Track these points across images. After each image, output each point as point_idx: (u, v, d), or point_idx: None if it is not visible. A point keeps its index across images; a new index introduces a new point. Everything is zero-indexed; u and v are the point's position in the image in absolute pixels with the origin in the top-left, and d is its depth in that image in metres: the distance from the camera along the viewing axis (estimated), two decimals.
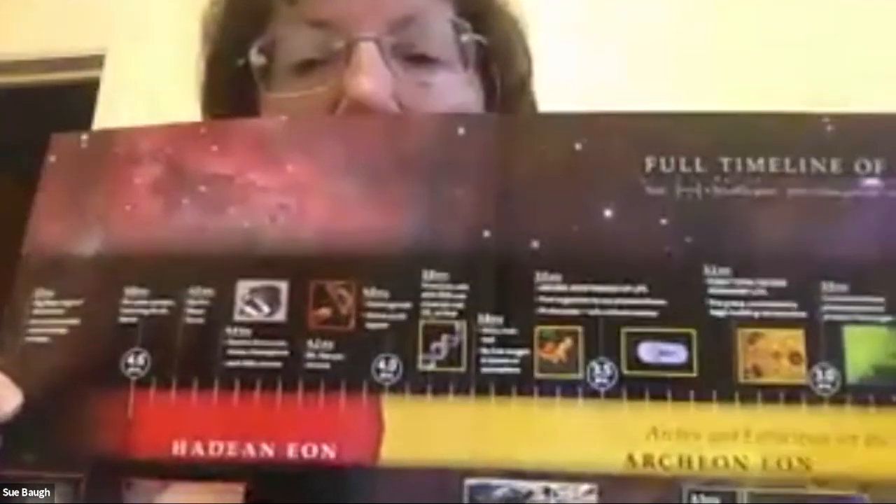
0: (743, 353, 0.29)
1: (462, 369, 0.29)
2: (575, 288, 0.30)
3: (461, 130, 0.32)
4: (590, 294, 0.30)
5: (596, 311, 0.29)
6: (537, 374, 0.29)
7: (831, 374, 0.28)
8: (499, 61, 0.43)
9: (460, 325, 0.29)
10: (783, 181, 0.30)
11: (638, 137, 0.31)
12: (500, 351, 0.29)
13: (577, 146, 0.31)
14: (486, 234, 0.30)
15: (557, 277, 0.30)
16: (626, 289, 0.30)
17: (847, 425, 0.28)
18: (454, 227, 0.31)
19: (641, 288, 0.29)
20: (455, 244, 0.30)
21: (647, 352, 0.29)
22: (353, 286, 0.30)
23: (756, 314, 0.29)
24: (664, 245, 0.30)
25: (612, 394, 0.29)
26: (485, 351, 0.29)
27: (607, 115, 0.32)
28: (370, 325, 0.30)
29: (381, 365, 0.29)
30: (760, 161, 0.30)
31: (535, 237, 0.30)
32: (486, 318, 0.30)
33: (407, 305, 0.30)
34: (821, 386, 0.28)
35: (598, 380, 0.29)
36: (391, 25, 0.39)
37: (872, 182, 0.30)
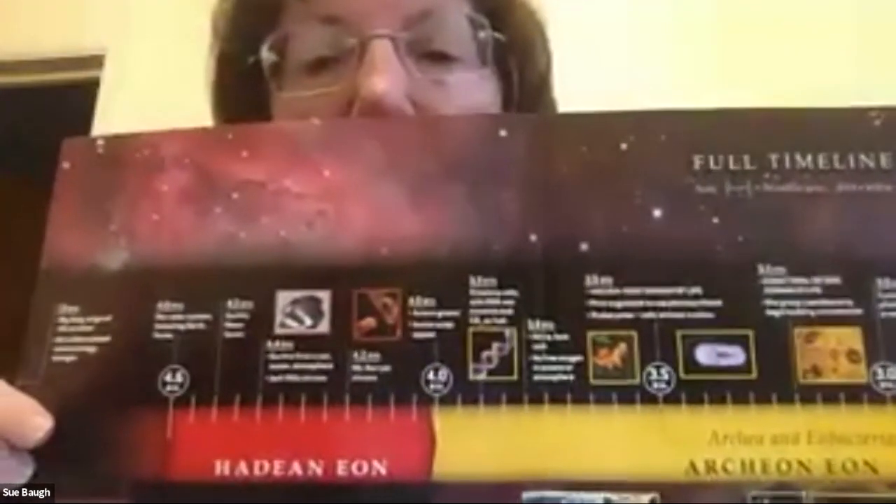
0: (801, 352, 0.28)
1: (514, 378, 0.28)
2: (627, 291, 0.29)
3: (503, 132, 0.31)
4: (643, 297, 0.29)
5: (650, 315, 0.29)
6: (593, 381, 0.28)
7: (893, 371, 0.28)
8: (517, 58, 0.42)
9: (510, 332, 0.29)
10: (832, 177, 0.30)
11: (684, 135, 0.30)
12: (553, 358, 0.28)
13: (623, 146, 0.30)
14: (533, 237, 0.30)
15: (608, 280, 0.29)
16: (680, 290, 0.29)
17: None
18: (500, 232, 0.30)
19: (696, 289, 0.29)
20: (502, 249, 0.29)
21: (704, 354, 0.28)
22: (399, 294, 0.29)
23: (812, 313, 0.28)
24: (716, 244, 0.29)
25: (671, 399, 0.28)
26: (537, 358, 0.28)
27: (652, 113, 0.31)
28: (417, 335, 0.28)
29: (431, 376, 0.28)
30: (809, 157, 0.30)
31: (583, 239, 0.29)
32: (536, 325, 0.29)
33: (455, 313, 0.29)
34: (882, 384, 0.28)
35: (655, 385, 0.28)
36: (406, 21, 0.38)
37: None
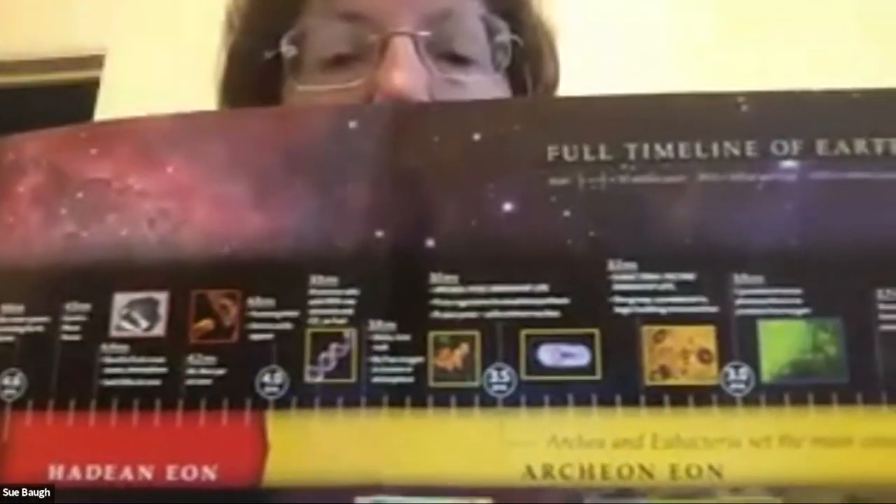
0: (649, 352, 0.27)
1: (352, 380, 0.27)
2: (472, 289, 0.28)
3: (353, 124, 0.30)
4: (488, 295, 0.28)
5: (494, 314, 0.27)
6: (431, 383, 0.27)
7: (744, 372, 0.27)
8: (530, 63, 0.42)
9: (350, 333, 0.28)
10: (694, 166, 0.28)
11: (540, 126, 0.29)
12: (393, 359, 0.27)
13: (476, 136, 0.29)
14: (379, 233, 0.29)
15: (454, 278, 0.28)
16: (527, 288, 0.28)
17: (761, 427, 0.26)
18: (345, 228, 0.29)
19: (542, 287, 0.28)
20: (345, 246, 0.28)
21: (547, 355, 0.27)
22: (238, 295, 0.28)
23: (663, 310, 0.27)
24: (567, 239, 0.28)
25: (511, 401, 0.27)
26: (376, 360, 0.27)
27: (508, 103, 0.30)
28: (254, 337, 0.28)
29: (266, 379, 0.27)
30: (669, 146, 0.28)
31: (430, 235, 0.28)
32: (378, 325, 0.28)
33: (293, 314, 0.28)
34: (733, 386, 0.27)
35: (495, 387, 0.27)
36: (426, 21, 0.38)
37: (790, 164, 0.28)
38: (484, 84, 0.39)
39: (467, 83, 0.38)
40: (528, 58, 0.42)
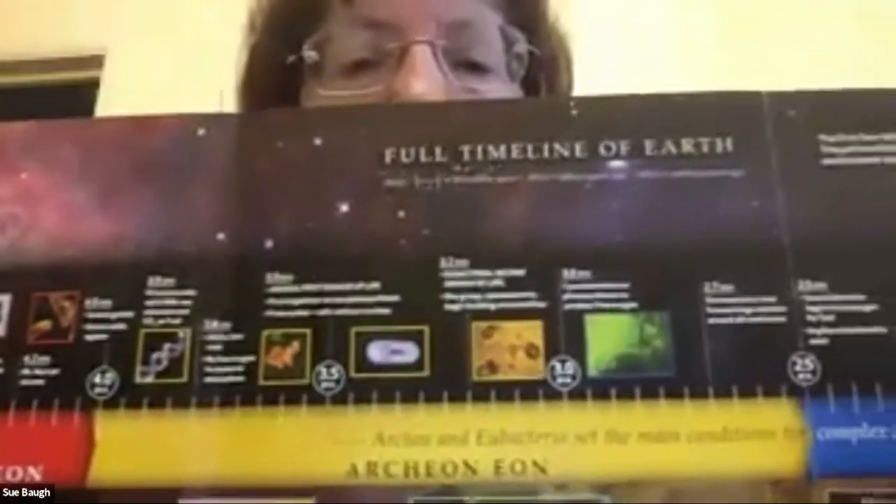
0: (477, 348, 0.27)
1: (184, 380, 0.27)
2: (306, 287, 0.28)
3: (201, 131, 0.30)
4: (321, 294, 0.28)
5: (326, 312, 0.28)
6: (262, 382, 0.27)
7: (571, 366, 0.27)
8: (544, 73, 0.43)
9: (184, 333, 0.28)
10: (525, 167, 0.29)
11: (378, 129, 0.30)
12: (226, 359, 0.27)
13: (318, 141, 0.30)
14: (221, 236, 0.29)
15: (289, 277, 0.28)
16: (359, 286, 0.28)
17: (586, 422, 0.26)
18: (186, 231, 0.29)
19: (374, 284, 0.28)
20: (186, 248, 0.29)
21: (376, 352, 0.27)
22: (77, 297, 0.29)
23: (493, 306, 0.27)
24: (400, 239, 0.28)
25: (338, 399, 0.27)
26: (210, 359, 0.27)
27: (349, 109, 0.30)
28: (89, 337, 0.28)
29: (97, 379, 0.27)
30: (502, 147, 0.29)
31: (269, 237, 0.29)
32: (213, 325, 0.28)
33: (129, 314, 0.28)
34: (559, 380, 0.26)
35: (324, 384, 0.27)
36: (445, 30, 0.39)
37: (618, 164, 0.29)
38: (500, 93, 0.39)
39: (484, 91, 0.39)
40: (543, 68, 0.43)
